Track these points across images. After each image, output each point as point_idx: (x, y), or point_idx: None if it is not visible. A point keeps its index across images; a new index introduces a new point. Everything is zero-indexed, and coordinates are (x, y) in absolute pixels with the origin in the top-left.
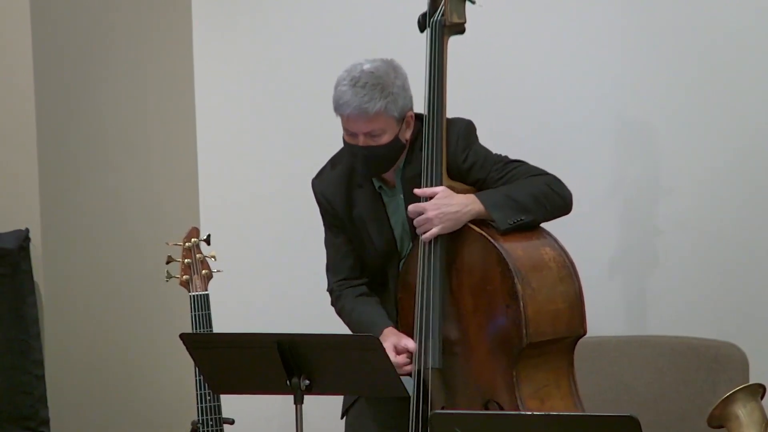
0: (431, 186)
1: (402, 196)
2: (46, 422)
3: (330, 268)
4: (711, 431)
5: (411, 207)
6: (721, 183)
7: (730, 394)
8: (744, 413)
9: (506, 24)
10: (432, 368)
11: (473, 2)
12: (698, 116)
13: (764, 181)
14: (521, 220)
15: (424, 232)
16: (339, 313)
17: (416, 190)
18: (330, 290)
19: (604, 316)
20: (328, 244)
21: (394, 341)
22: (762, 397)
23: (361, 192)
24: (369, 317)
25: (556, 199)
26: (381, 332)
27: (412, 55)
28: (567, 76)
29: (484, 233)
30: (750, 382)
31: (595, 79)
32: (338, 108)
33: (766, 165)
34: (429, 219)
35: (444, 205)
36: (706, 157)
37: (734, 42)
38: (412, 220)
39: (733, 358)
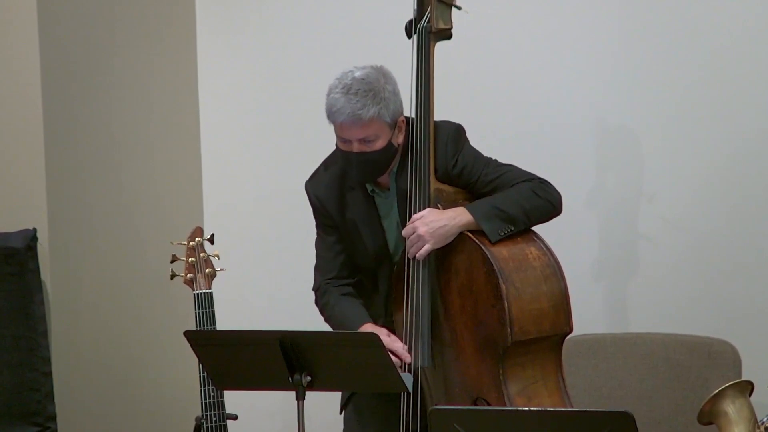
0: (417, 191)
1: (396, 198)
2: (53, 418)
3: (319, 267)
4: (704, 427)
5: (404, 231)
6: (715, 183)
7: (719, 391)
8: (733, 410)
9: (489, 30)
10: (421, 367)
11: (459, 8)
12: (683, 119)
13: (753, 180)
14: (510, 231)
15: (417, 251)
16: (322, 308)
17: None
18: (316, 288)
19: (598, 315)
20: (320, 243)
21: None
22: (750, 394)
23: (354, 195)
24: (350, 313)
25: (544, 205)
26: (360, 327)
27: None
28: (552, 80)
29: (469, 235)
30: (743, 379)
31: (580, 84)
32: (331, 116)
33: (756, 164)
34: (420, 236)
35: (433, 221)
36: (696, 156)
37: (719, 48)
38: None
39: (726, 355)
